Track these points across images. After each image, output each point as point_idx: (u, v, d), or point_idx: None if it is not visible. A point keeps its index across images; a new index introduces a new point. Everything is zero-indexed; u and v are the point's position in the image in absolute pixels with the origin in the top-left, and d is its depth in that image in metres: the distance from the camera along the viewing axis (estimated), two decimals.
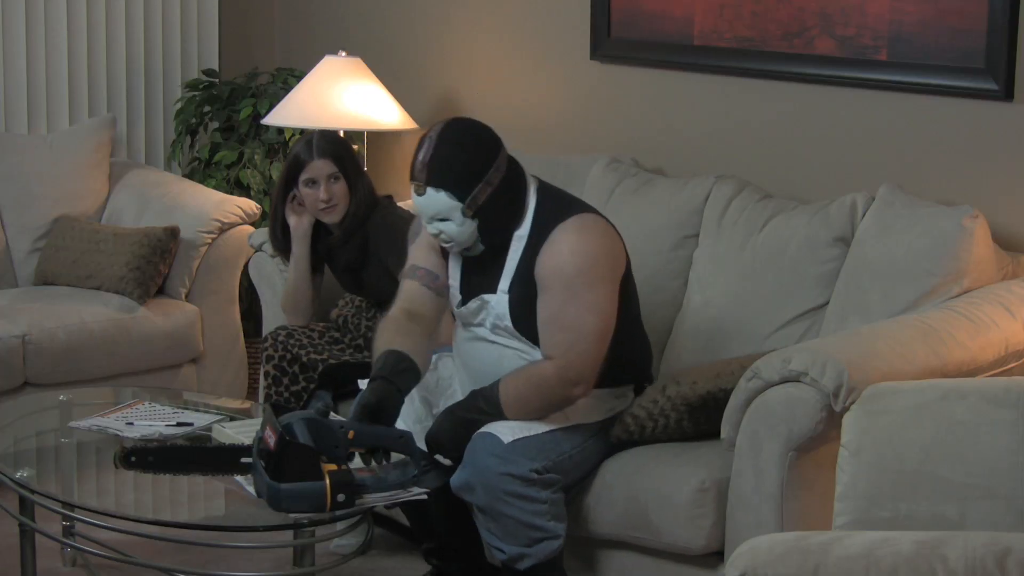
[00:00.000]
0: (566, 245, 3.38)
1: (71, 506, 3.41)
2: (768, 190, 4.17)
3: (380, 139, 5.40)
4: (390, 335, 3.41)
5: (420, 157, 3.37)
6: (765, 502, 3.26)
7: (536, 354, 3.44)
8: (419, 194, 3.39)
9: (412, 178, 3.39)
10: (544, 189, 3.50)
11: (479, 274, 3.51)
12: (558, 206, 3.46)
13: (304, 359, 4.12)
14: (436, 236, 3.43)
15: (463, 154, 3.37)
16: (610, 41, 4.70)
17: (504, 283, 3.45)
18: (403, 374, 3.35)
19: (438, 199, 3.36)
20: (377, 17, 5.54)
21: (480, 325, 3.52)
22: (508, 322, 3.45)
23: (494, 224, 3.42)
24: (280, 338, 4.15)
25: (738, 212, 4.08)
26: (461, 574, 3.79)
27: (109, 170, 5.36)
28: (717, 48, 4.39)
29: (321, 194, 4.17)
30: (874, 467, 2.88)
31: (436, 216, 3.40)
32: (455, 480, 3.43)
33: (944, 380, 3.12)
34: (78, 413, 3.86)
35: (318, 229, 4.29)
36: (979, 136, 3.86)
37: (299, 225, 4.25)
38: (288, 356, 4.14)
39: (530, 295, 3.41)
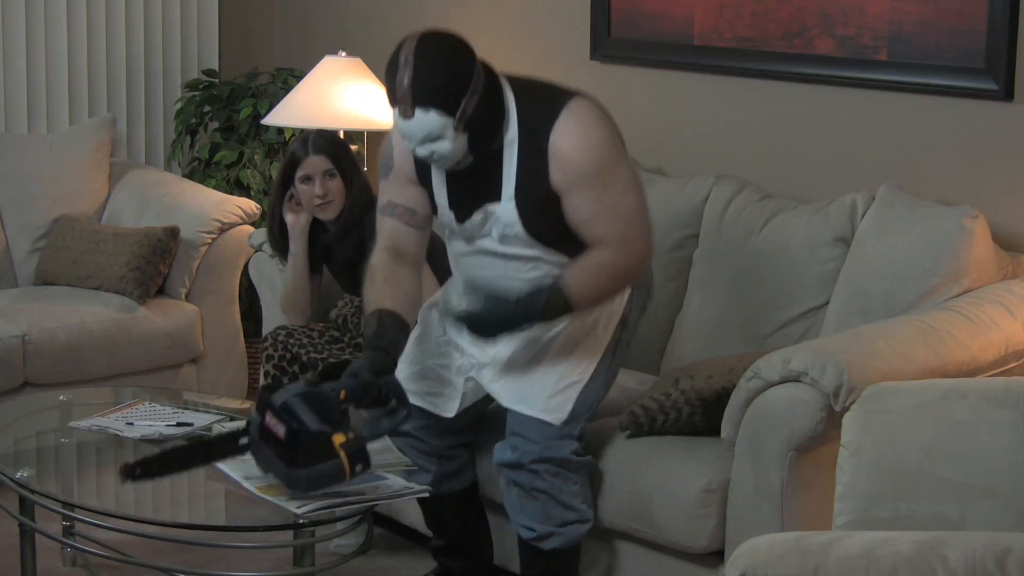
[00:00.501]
0: (573, 146, 3.26)
1: (71, 506, 3.41)
2: (768, 190, 4.17)
3: (380, 139, 5.39)
4: (379, 288, 3.38)
5: (402, 80, 3.18)
6: (765, 502, 3.26)
7: (549, 257, 3.38)
8: (407, 117, 3.20)
9: (395, 102, 3.21)
10: (516, 84, 3.35)
11: (473, 187, 3.37)
12: (539, 102, 3.32)
13: (304, 359, 4.12)
14: (428, 157, 3.27)
15: (445, 68, 3.20)
16: (610, 41, 4.71)
17: (508, 190, 3.32)
18: (397, 340, 3.32)
19: (428, 119, 3.18)
20: (377, 17, 5.55)
21: (486, 236, 3.41)
22: (519, 229, 3.34)
23: (484, 133, 3.27)
24: (280, 338, 4.15)
25: (738, 212, 4.08)
26: (465, 573, 3.79)
27: (109, 170, 5.36)
28: (717, 48, 4.39)
29: (316, 190, 4.17)
30: (874, 467, 2.88)
31: (428, 137, 3.22)
32: (499, 456, 3.49)
33: (944, 380, 3.12)
34: (78, 413, 3.86)
35: (316, 229, 4.29)
36: (979, 136, 3.86)
37: (296, 223, 4.25)
38: (288, 356, 4.14)
39: (540, 198, 3.30)
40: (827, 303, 3.81)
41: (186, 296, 5.05)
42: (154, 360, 4.89)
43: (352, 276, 4.30)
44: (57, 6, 5.48)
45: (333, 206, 4.20)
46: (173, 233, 4.96)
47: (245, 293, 5.31)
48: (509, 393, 3.49)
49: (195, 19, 5.79)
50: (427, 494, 3.40)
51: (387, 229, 3.46)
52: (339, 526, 3.35)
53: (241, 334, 5.16)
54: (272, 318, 4.58)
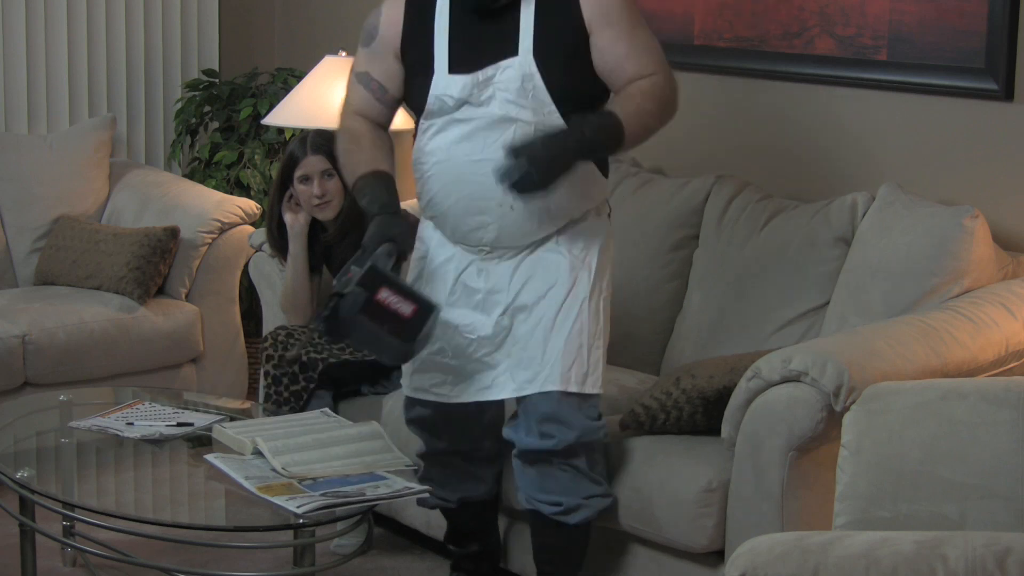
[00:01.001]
0: None
1: (71, 506, 3.41)
2: (768, 190, 4.17)
3: None
4: (369, 151, 3.39)
5: None
6: (765, 502, 3.26)
7: (555, 119, 3.24)
8: None
9: None
10: None
11: (481, 44, 3.28)
12: None
13: (304, 359, 4.12)
14: None
15: None
16: None
17: (526, 41, 3.24)
18: (398, 210, 3.34)
19: None
20: None
21: (489, 102, 3.28)
22: (537, 80, 3.23)
23: None
24: (280, 338, 4.15)
25: (738, 212, 4.08)
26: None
27: (109, 170, 5.36)
28: (717, 48, 4.39)
29: (315, 190, 4.17)
30: (874, 467, 2.88)
31: None
32: (525, 443, 3.40)
33: (944, 380, 3.12)
34: (78, 413, 3.86)
35: (315, 229, 4.29)
36: (979, 136, 3.86)
37: (295, 223, 4.25)
38: (288, 356, 4.14)
39: (563, 45, 3.25)
40: (827, 303, 3.81)
41: (186, 296, 5.05)
42: (154, 360, 4.89)
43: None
44: (57, 6, 5.48)
45: (331, 206, 4.20)
46: (173, 233, 4.96)
47: (245, 293, 5.31)
48: (522, 372, 3.39)
49: (195, 19, 5.79)
50: (427, 494, 3.40)
51: (359, 98, 3.45)
52: (339, 526, 3.35)
53: (241, 334, 5.16)
54: (272, 318, 4.58)
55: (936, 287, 3.59)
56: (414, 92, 3.37)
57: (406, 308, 3.20)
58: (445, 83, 3.29)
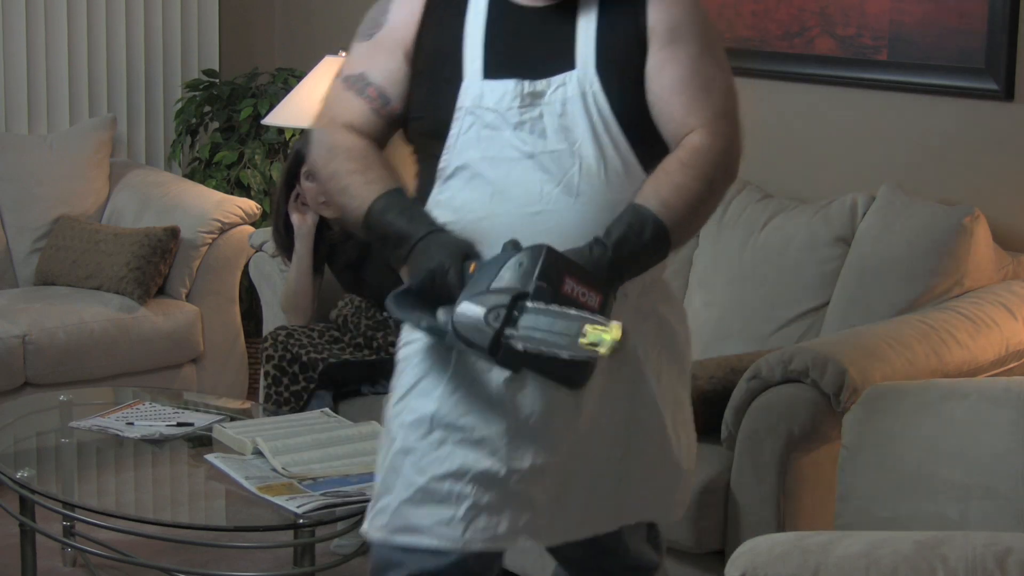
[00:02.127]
0: None
1: (71, 506, 3.41)
2: (768, 190, 4.17)
3: None
4: (381, 167, 2.48)
5: None
6: (765, 502, 3.26)
7: (624, 156, 2.44)
8: None
9: None
10: None
11: (524, 51, 2.46)
12: None
13: (304, 359, 4.12)
14: None
15: None
16: None
17: (586, 48, 2.43)
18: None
19: None
20: None
21: (532, 130, 2.43)
22: (601, 102, 2.41)
23: None
24: (280, 338, 4.16)
25: (738, 212, 4.08)
26: None
27: (109, 170, 5.36)
28: None
29: (320, 188, 4.18)
30: (874, 467, 2.88)
31: None
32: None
33: (944, 380, 3.12)
34: (78, 413, 3.86)
35: (319, 227, 4.29)
36: (979, 136, 3.86)
37: (303, 223, 4.25)
38: (288, 356, 4.14)
39: (629, 58, 2.44)
40: (827, 303, 3.81)
41: (186, 296, 5.05)
42: (154, 360, 4.89)
43: (353, 276, 4.30)
44: (57, 6, 5.48)
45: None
46: (173, 233, 4.96)
47: (245, 293, 5.31)
48: (611, 510, 2.57)
49: (195, 19, 5.79)
50: None
51: (350, 108, 2.53)
52: (339, 526, 3.35)
53: (241, 334, 5.16)
54: (272, 318, 4.58)
55: (936, 287, 3.59)
56: (428, 107, 2.48)
57: (593, 299, 2.30)
58: (479, 90, 2.43)
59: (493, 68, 2.44)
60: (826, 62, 4.13)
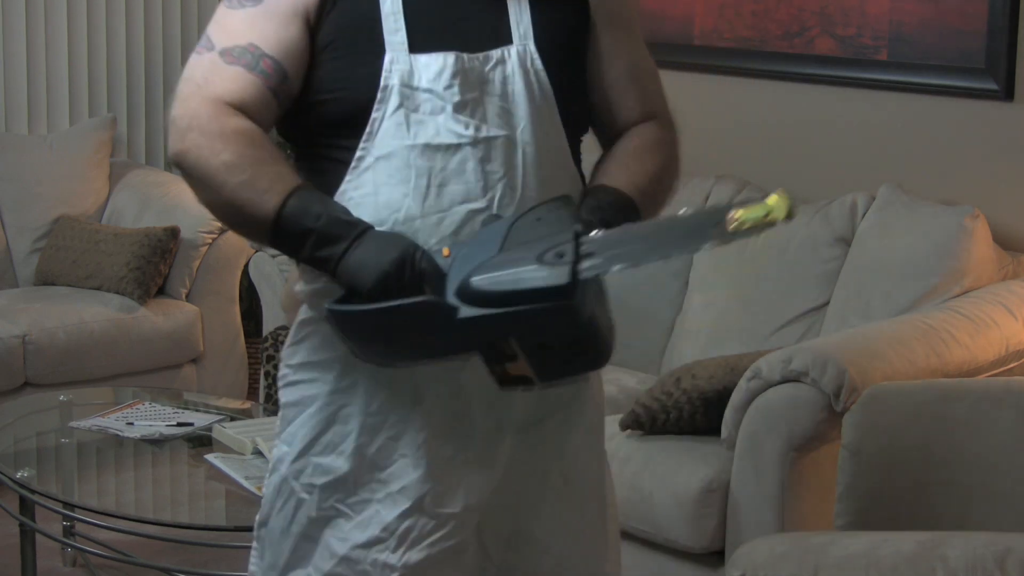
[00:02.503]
0: None
1: (71, 506, 3.41)
2: (768, 190, 4.16)
3: None
4: (280, 160, 2.03)
5: None
6: (765, 502, 3.26)
7: (561, 143, 2.15)
8: None
9: None
10: None
11: (452, 23, 2.10)
12: None
13: None
14: None
15: None
16: None
17: (523, 20, 2.12)
18: None
19: None
20: None
21: (469, 112, 2.07)
22: (544, 81, 2.10)
23: None
24: (281, 338, 4.16)
25: None
26: None
27: (109, 170, 5.36)
28: (717, 48, 4.39)
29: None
30: (874, 467, 2.88)
31: None
32: None
33: (944, 380, 3.12)
34: (78, 413, 3.86)
35: None
36: (979, 136, 3.86)
37: None
38: None
39: (567, 35, 2.17)
40: (827, 303, 3.81)
41: (186, 296, 5.05)
42: (154, 360, 4.89)
43: None
44: (57, 6, 5.48)
45: None
46: (173, 233, 4.96)
47: (245, 293, 5.31)
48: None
49: (195, 19, 5.79)
50: None
51: (239, 83, 2.06)
52: None
53: (241, 334, 5.16)
54: (272, 318, 4.58)
55: (936, 287, 3.59)
56: (339, 87, 2.07)
57: None
58: (408, 65, 2.06)
59: (420, 40, 2.07)
60: (826, 62, 4.13)
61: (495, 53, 2.10)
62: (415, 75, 2.06)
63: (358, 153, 2.06)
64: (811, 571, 2.47)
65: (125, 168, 5.44)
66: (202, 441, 3.67)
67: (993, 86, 3.78)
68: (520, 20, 2.13)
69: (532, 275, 1.87)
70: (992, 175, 3.84)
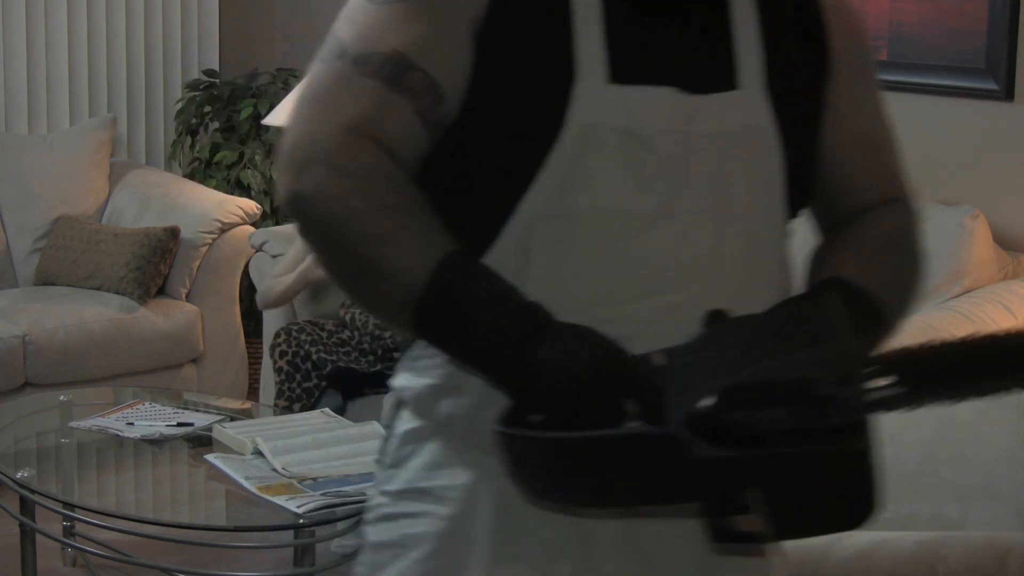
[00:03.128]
0: None
1: (71, 506, 3.41)
2: None
3: None
4: (425, 212, 1.50)
5: None
6: None
7: (775, 229, 1.71)
8: None
9: None
10: None
11: (663, 45, 1.55)
12: None
13: (314, 357, 4.13)
14: None
15: None
16: None
17: (751, 60, 1.58)
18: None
19: None
20: None
21: (673, 169, 1.56)
22: (772, 138, 1.60)
23: None
24: (293, 333, 4.16)
25: None
26: None
27: (109, 170, 5.36)
28: None
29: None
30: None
31: None
32: None
33: None
34: (78, 413, 3.86)
35: None
36: (979, 136, 3.86)
37: None
38: (301, 352, 4.15)
39: (801, 88, 1.65)
40: None
41: (186, 296, 5.05)
42: (154, 360, 4.89)
43: None
44: (57, 6, 5.48)
45: None
46: (173, 233, 4.97)
47: (245, 293, 5.31)
48: None
49: (195, 19, 5.79)
50: None
51: (375, 102, 1.52)
52: (339, 526, 3.35)
53: (241, 334, 5.16)
54: (272, 318, 4.58)
55: (936, 287, 3.58)
56: (508, 120, 1.53)
57: None
58: (605, 99, 1.52)
59: (624, 68, 1.53)
60: None
61: (717, 97, 1.55)
62: (612, 112, 1.51)
63: (523, 212, 1.52)
64: (811, 571, 2.46)
65: (125, 168, 5.44)
66: (202, 441, 3.67)
67: (993, 86, 3.78)
68: (749, 59, 1.58)
69: (802, 404, 1.36)
70: (992, 175, 3.84)
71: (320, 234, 1.53)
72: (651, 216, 1.52)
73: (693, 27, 1.57)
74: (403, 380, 1.63)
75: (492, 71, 1.53)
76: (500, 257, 1.52)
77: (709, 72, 1.56)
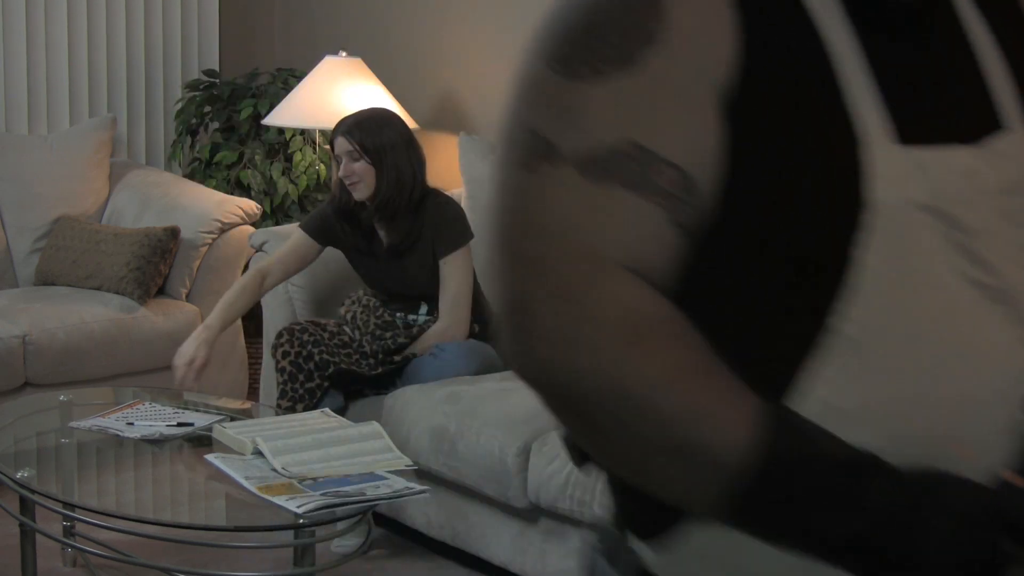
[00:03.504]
0: None
1: (71, 506, 3.41)
2: None
3: None
4: (716, 360, 1.17)
5: None
6: None
7: None
8: None
9: None
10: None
11: (925, 85, 1.27)
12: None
13: (317, 358, 4.13)
14: None
15: None
16: None
17: (1004, 86, 1.32)
18: None
19: None
20: (377, 17, 5.54)
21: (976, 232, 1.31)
22: None
23: None
24: (296, 333, 4.16)
25: None
26: None
27: (109, 170, 5.36)
28: None
29: (342, 171, 4.24)
30: None
31: None
32: None
33: None
34: (78, 413, 3.86)
35: (353, 212, 4.30)
36: None
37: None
38: (304, 353, 4.15)
39: None
40: None
41: (186, 296, 5.05)
42: (154, 360, 4.89)
43: (398, 261, 4.28)
44: (57, 6, 5.48)
45: (359, 187, 4.23)
46: (173, 233, 4.97)
47: None
48: None
49: (195, 19, 5.79)
50: (426, 495, 3.40)
51: (632, 221, 1.17)
52: (339, 526, 3.35)
53: (241, 334, 5.16)
54: (272, 318, 4.58)
55: None
56: (785, 211, 1.19)
57: None
58: (899, 164, 1.20)
59: (907, 124, 1.21)
60: None
61: (996, 146, 1.24)
62: (911, 183, 1.19)
63: (827, 332, 1.18)
64: None
65: (125, 168, 5.44)
66: (202, 441, 3.67)
67: None
68: (1003, 88, 1.28)
69: None
70: None
71: (596, 422, 1.17)
72: (978, 303, 1.21)
73: (941, 55, 1.26)
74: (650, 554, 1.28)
75: (752, 150, 1.18)
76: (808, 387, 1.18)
77: (972, 113, 1.25)
